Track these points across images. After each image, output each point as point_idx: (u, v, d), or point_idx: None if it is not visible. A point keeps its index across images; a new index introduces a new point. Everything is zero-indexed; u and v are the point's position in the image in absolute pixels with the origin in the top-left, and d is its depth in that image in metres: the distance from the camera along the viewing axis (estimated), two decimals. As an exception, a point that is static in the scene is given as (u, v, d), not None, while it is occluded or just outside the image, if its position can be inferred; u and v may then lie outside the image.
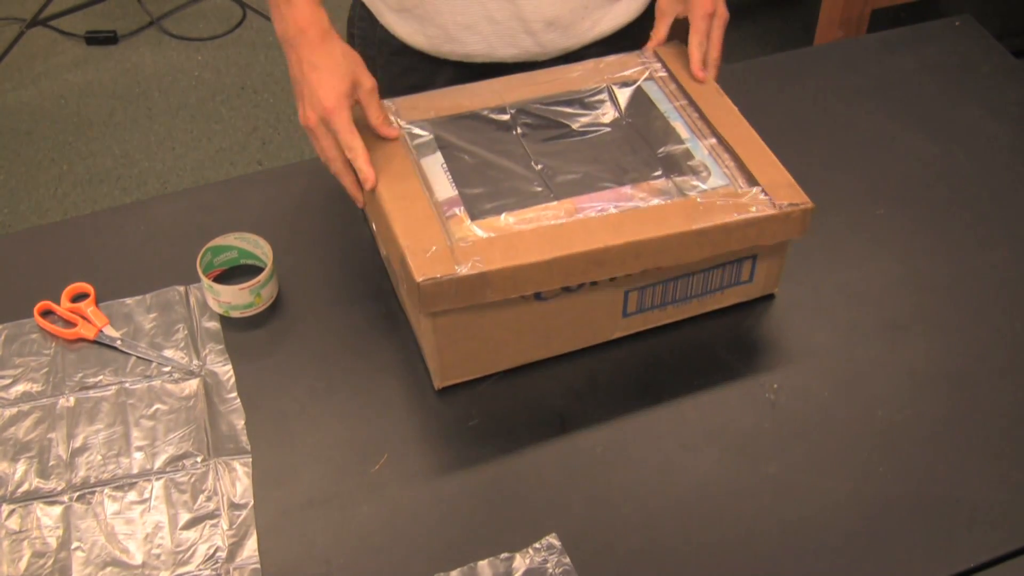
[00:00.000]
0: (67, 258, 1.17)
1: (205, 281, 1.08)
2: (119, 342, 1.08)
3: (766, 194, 1.02)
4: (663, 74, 1.17)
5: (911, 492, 0.97)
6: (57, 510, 0.95)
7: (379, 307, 1.12)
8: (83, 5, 2.96)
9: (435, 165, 1.05)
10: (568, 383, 1.05)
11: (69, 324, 1.10)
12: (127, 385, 1.05)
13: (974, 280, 1.16)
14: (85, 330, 1.09)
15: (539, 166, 1.07)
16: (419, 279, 0.93)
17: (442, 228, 0.97)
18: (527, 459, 0.99)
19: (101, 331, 1.09)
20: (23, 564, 0.92)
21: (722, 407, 1.04)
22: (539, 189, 1.04)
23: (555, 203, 1.02)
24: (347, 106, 1.01)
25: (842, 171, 1.27)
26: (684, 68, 1.16)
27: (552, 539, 0.93)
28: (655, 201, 1.02)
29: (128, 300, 1.13)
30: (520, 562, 0.91)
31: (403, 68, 1.26)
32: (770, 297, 1.12)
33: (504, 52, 1.22)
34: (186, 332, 1.09)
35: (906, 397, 1.05)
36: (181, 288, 1.13)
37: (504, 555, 0.92)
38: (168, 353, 1.08)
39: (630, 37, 1.27)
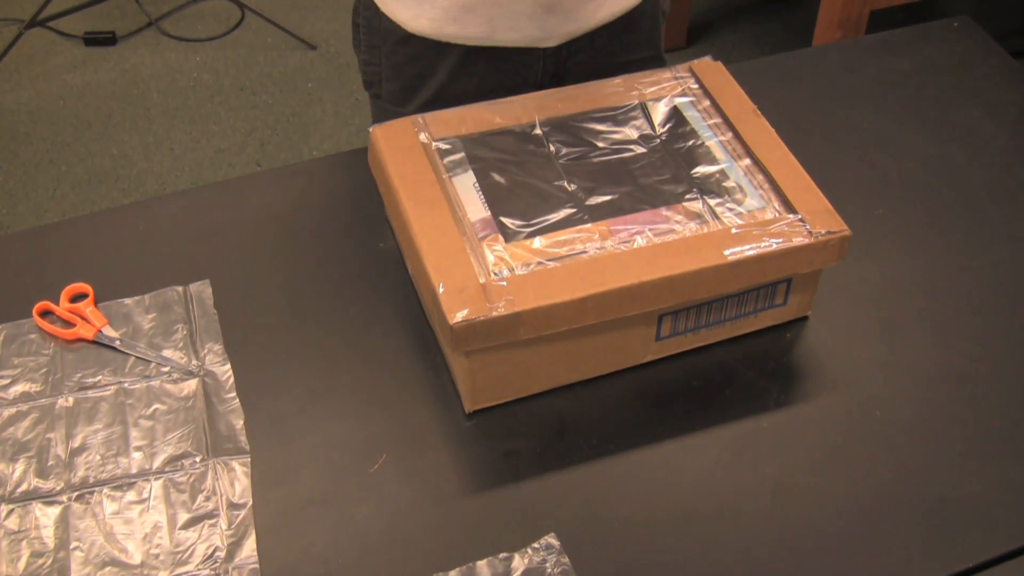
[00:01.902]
0: (66, 258, 1.17)
1: None
2: (118, 342, 1.08)
3: (803, 222, 1.01)
4: (697, 91, 1.16)
5: (911, 492, 0.97)
6: (56, 510, 0.95)
7: (378, 307, 1.12)
8: (82, 6, 2.96)
9: (467, 184, 1.04)
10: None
11: (68, 324, 1.10)
12: (126, 385, 1.05)
13: (973, 280, 1.16)
14: (84, 330, 1.09)
15: (572, 186, 1.05)
16: (452, 321, 0.92)
17: (474, 262, 0.97)
18: (526, 458, 0.99)
19: (100, 331, 1.09)
20: (22, 564, 0.92)
21: (721, 406, 1.04)
22: (573, 210, 1.02)
23: (590, 225, 1.01)
24: None
25: (840, 172, 1.27)
26: (718, 85, 1.15)
27: (551, 539, 0.93)
28: (691, 224, 1.01)
29: (127, 300, 1.12)
30: (519, 562, 0.91)
31: (407, 57, 1.26)
32: (803, 319, 1.11)
33: (505, 36, 1.21)
34: (185, 332, 1.09)
35: (905, 397, 1.05)
36: (180, 288, 1.13)
37: (503, 555, 0.92)
38: (167, 353, 1.08)
39: (636, 26, 1.26)
